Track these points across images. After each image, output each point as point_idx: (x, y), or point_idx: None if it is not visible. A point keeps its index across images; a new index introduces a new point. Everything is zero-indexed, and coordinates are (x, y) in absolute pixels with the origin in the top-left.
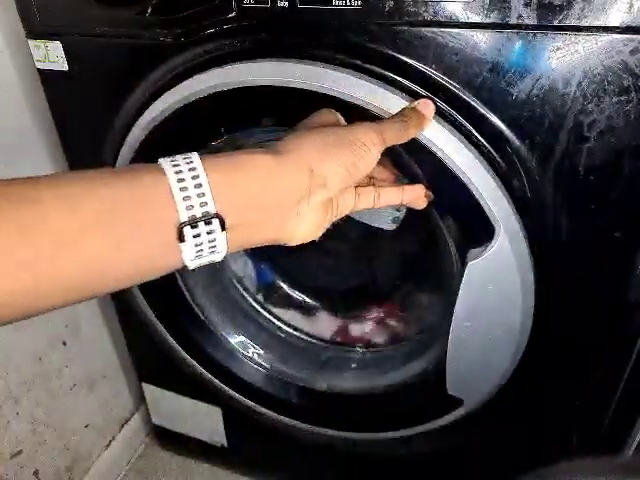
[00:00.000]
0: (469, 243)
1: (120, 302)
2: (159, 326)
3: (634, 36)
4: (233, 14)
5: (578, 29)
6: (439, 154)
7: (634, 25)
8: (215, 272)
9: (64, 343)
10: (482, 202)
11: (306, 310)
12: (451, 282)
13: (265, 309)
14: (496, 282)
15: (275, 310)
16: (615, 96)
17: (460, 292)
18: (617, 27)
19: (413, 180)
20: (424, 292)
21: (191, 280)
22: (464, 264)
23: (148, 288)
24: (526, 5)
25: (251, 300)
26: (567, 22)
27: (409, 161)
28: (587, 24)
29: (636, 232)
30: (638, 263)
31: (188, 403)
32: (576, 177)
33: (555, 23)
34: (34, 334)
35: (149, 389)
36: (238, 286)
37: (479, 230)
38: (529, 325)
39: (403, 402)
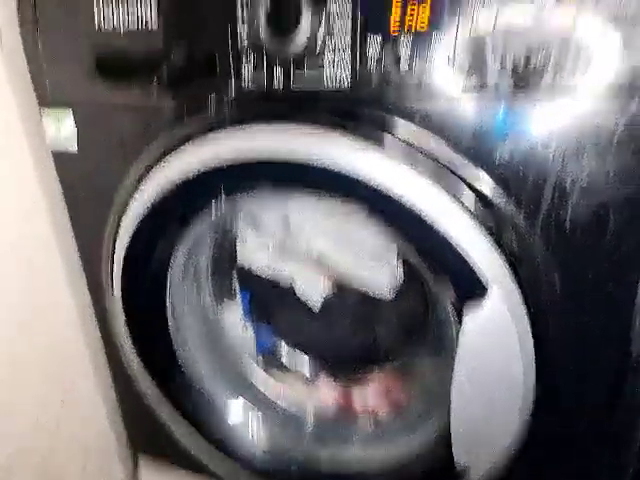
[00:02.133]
0: (464, 303)
1: (117, 370)
2: (157, 394)
3: (611, 97)
4: (232, 96)
5: (552, 92)
6: (428, 215)
7: (609, 86)
8: (214, 343)
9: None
10: (472, 262)
11: (306, 379)
12: (450, 344)
13: (265, 382)
14: (493, 339)
15: (276, 383)
16: (593, 155)
17: (458, 352)
18: (592, 89)
19: (404, 240)
20: (424, 356)
21: (189, 350)
22: (461, 324)
23: (147, 356)
24: (501, 70)
25: (250, 373)
26: (542, 85)
27: (398, 224)
28: (561, 86)
29: (628, 286)
30: (635, 316)
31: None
32: (563, 232)
33: (530, 87)
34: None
35: (145, 461)
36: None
37: (472, 290)
38: (532, 381)
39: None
